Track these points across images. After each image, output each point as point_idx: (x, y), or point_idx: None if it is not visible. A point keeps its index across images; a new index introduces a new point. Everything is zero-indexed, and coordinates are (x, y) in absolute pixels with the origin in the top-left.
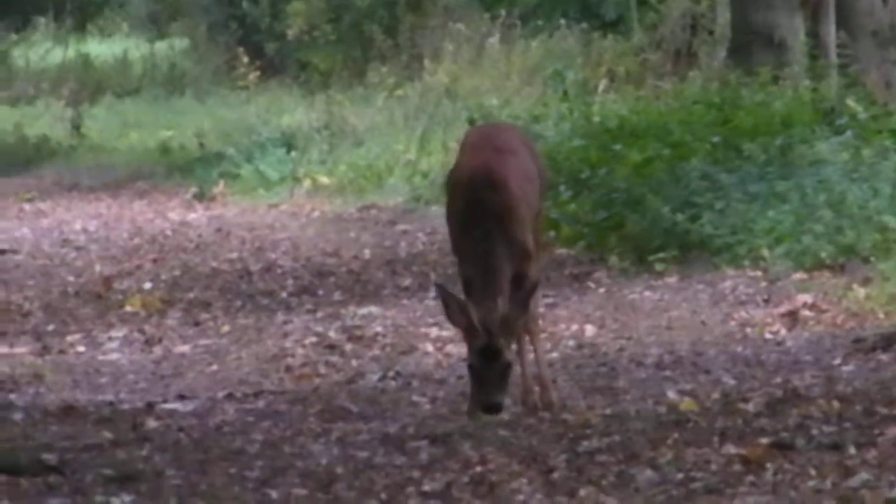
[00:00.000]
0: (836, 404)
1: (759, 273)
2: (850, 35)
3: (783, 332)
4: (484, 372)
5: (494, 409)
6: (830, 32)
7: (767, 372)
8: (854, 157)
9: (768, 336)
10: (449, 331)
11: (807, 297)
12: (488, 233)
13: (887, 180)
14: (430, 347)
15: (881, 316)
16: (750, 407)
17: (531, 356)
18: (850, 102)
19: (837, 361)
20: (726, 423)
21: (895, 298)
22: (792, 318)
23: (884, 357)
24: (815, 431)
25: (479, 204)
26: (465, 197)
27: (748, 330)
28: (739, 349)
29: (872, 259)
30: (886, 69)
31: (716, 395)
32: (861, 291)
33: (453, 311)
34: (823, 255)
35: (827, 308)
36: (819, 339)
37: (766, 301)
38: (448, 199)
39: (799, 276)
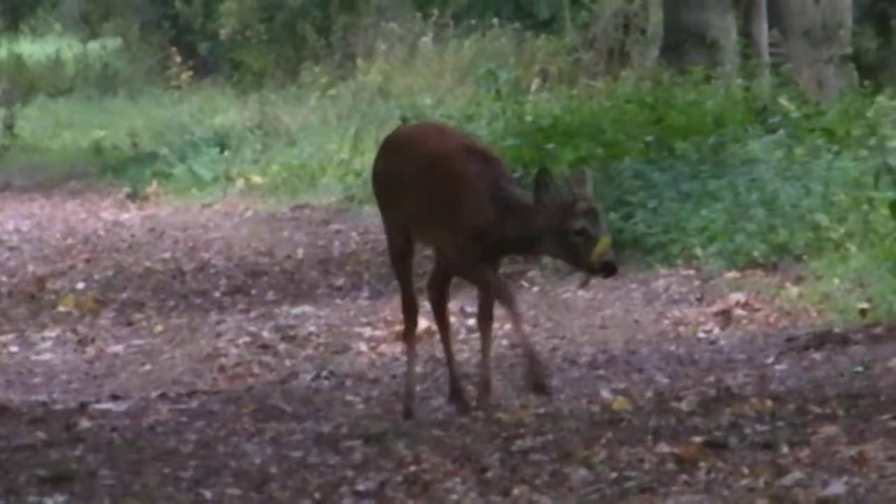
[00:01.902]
0: (769, 403)
1: (692, 272)
2: (782, 34)
3: (716, 330)
4: (597, 232)
5: (613, 267)
6: (763, 32)
7: (700, 371)
8: (786, 155)
9: (701, 335)
10: (382, 330)
11: (740, 296)
12: None
13: (819, 179)
14: (363, 347)
15: (814, 315)
16: (683, 406)
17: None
18: (783, 101)
19: (770, 360)
20: (660, 422)
21: (828, 297)
22: (725, 316)
23: (816, 356)
24: (748, 430)
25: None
26: None
27: (681, 329)
28: (673, 348)
29: (805, 258)
30: (818, 68)
31: (649, 395)
32: (794, 290)
33: (555, 187)
34: (756, 253)
35: (760, 307)
36: (752, 337)
37: (700, 300)
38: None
39: (732, 274)
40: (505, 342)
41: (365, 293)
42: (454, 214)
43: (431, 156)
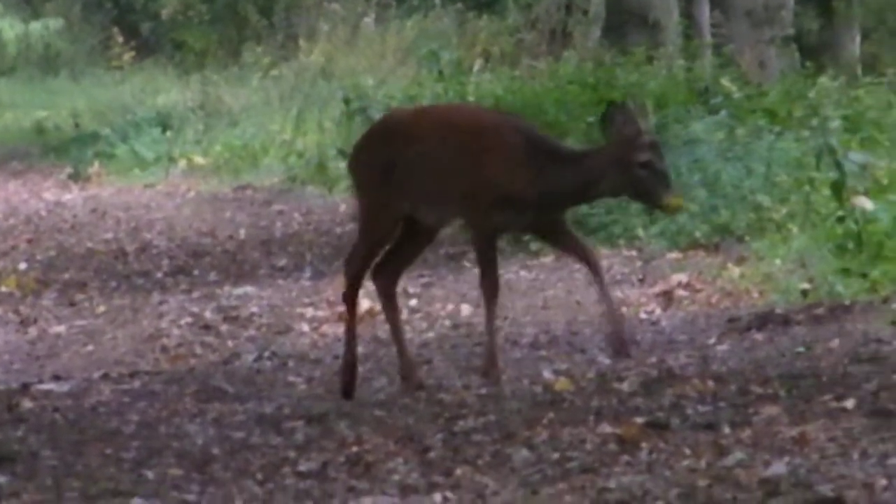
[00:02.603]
0: (710, 384)
1: (634, 253)
2: (724, 15)
3: (658, 311)
4: (661, 165)
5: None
6: (704, 13)
7: (642, 351)
8: (728, 136)
9: (643, 316)
10: (324, 311)
11: (681, 277)
12: None
13: (761, 160)
14: (305, 327)
15: (755, 295)
16: (625, 386)
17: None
18: (725, 82)
19: (712, 341)
20: (601, 403)
21: (770, 277)
22: (667, 297)
23: (758, 336)
24: (689, 411)
25: None
26: None
27: (623, 309)
28: (624, 331)
29: (747, 238)
30: (760, 49)
31: (591, 375)
32: (736, 271)
33: (621, 120)
34: (698, 234)
35: (701, 287)
36: (694, 318)
37: (641, 281)
38: None
39: (674, 255)
40: (447, 322)
41: (307, 274)
42: (485, 186)
43: (453, 132)
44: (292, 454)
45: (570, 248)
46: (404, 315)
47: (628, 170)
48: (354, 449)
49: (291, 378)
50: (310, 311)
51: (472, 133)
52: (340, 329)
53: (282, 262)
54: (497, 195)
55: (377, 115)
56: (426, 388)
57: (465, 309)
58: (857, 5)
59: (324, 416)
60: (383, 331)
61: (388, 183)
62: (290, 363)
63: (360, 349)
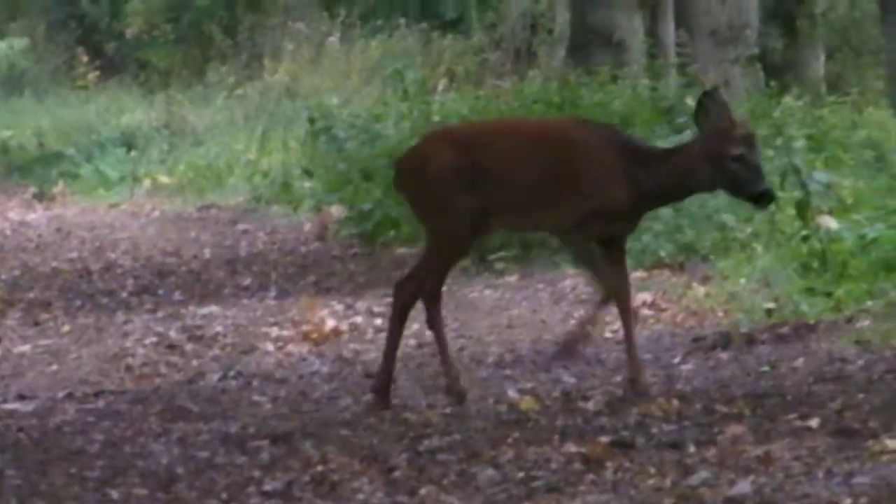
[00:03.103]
0: (675, 403)
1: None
2: (688, 34)
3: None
4: (754, 158)
5: (771, 195)
6: (669, 31)
7: (608, 370)
8: None
9: (608, 335)
10: (289, 330)
11: (647, 296)
12: None
13: None
14: (270, 347)
15: (720, 314)
16: (590, 405)
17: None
18: (690, 101)
19: (677, 360)
20: (566, 422)
21: (734, 297)
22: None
23: (723, 355)
24: (654, 430)
25: None
26: None
27: (589, 329)
28: (580, 348)
29: (712, 257)
30: (725, 68)
31: (556, 394)
32: (700, 290)
33: (715, 110)
34: (663, 253)
35: (667, 306)
36: (659, 337)
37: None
38: None
39: (639, 274)
40: (412, 341)
41: (272, 293)
42: (579, 192)
43: (541, 138)
44: (257, 473)
45: (611, 269)
46: (369, 335)
47: (721, 164)
48: (319, 468)
49: (256, 397)
50: (275, 331)
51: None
52: (305, 348)
53: (247, 281)
54: (594, 210)
55: (342, 135)
56: (391, 408)
57: (422, 329)
58: (821, 24)
59: (289, 436)
60: (348, 350)
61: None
62: (255, 382)
63: (325, 368)
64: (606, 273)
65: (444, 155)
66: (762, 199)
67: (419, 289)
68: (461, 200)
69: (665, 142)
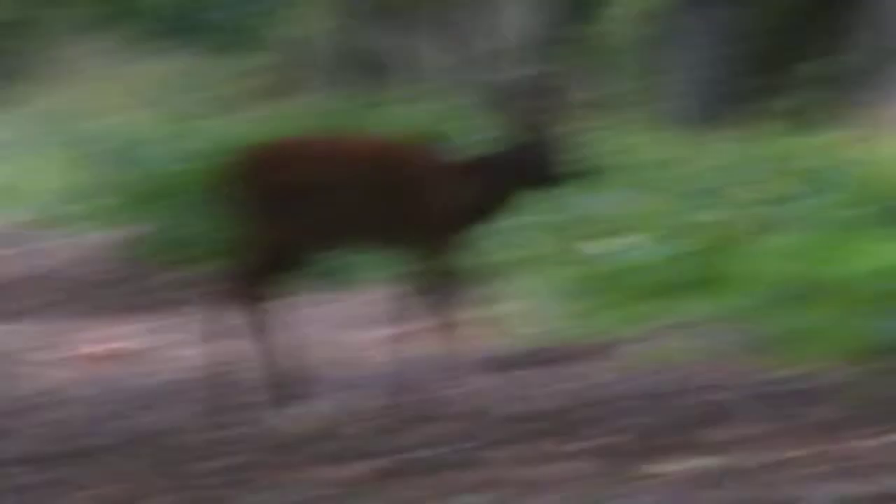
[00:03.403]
0: (442, 426)
1: (382, 294)
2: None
3: (403, 351)
4: (556, 144)
5: (577, 174)
6: (437, 56)
7: (377, 394)
8: None
9: (388, 356)
10: (58, 353)
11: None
12: None
13: None
14: (38, 370)
15: (487, 339)
16: (355, 429)
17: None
18: (457, 123)
19: (444, 384)
20: (331, 446)
21: (501, 321)
22: (413, 337)
23: (490, 379)
24: (420, 453)
25: None
26: None
27: (365, 352)
28: (354, 371)
29: (490, 280)
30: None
31: (319, 419)
32: (470, 314)
33: (514, 106)
34: None
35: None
36: (421, 361)
37: (388, 321)
38: None
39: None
40: (172, 365)
41: (32, 318)
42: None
43: (367, 157)
44: (12, 499)
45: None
46: (141, 357)
47: (532, 157)
48: (78, 494)
49: (14, 424)
50: (42, 355)
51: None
52: (66, 373)
53: (15, 304)
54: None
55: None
56: (154, 435)
57: (190, 352)
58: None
59: (54, 460)
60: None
61: None
62: (20, 406)
63: (89, 392)
64: (427, 291)
65: (268, 167)
66: (567, 179)
67: (249, 291)
68: (279, 214)
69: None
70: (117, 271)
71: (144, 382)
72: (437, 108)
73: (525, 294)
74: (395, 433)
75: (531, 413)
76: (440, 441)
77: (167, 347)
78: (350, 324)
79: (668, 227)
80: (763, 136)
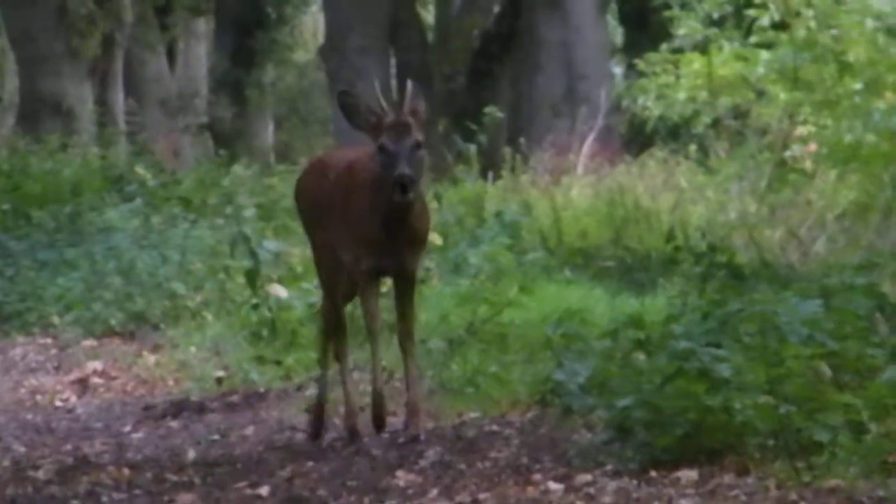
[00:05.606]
0: (126, 471)
1: (49, 340)
2: (138, 103)
3: (74, 399)
4: (395, 146)
5: (407, 179)
6: (119, 100)
7: (58, 439)
8: (143, 224)
9: (59, 403)
10: None
11: (97, 364)
12: None
13: (176, 247)
14: None
15: (171, 383)
16: (41, 475)
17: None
18: (139, 170)
19: (128, 428)
20: (17, 491)
21: (185, 365)
22: (82, 385)
23: (173, 423)
24: (105, 499)
25: None
26: None
27: (39, 397)
28: (30, 416)
29: (162, 326)
30: (175, 137)
31: (6, 463)
32: (151, 358)
33: (358, 107)
34: (113, 322)
35: (117, 375)
36: (109, 406)
37: (57, 368)
38: None
39: (89, 343)
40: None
41: None
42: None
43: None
44: None
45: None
46: None
47: (378, 155)
48: None
49: None
50: None
51: None
52: None
53: None
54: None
55: None
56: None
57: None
58: (270, 94)
59: None
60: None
61: None
62: None
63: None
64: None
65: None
66: (395, 185)
67: None
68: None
69: (113, 211)
70: None
71: None
72: (118, 154)
73: (214, 337)
74: (83, 476)
75: (220, 457)
76: (129, 485)
77: None
78: (32, 368)
79: None
80: (445, 180)
